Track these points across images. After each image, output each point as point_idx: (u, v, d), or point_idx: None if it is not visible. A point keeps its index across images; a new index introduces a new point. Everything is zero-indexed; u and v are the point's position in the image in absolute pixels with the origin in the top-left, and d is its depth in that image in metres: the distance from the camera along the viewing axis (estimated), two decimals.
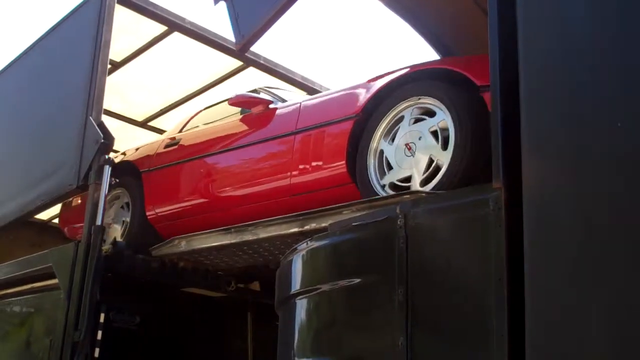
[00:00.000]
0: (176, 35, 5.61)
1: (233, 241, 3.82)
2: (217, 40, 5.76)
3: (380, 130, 3.39)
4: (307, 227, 3.36)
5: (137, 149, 5.28)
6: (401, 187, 3.17)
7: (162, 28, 5.55)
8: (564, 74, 1.85)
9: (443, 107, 3.14)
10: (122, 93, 6.38)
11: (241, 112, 4.47)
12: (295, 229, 3.44)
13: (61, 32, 5.53)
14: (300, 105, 3.99)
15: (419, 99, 3.28)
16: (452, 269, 2.18)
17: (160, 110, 6.82)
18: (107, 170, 4.36)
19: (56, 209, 6.07)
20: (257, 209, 3.92)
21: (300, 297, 2.80)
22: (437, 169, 3.08)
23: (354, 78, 3.73)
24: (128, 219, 4.87)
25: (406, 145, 3.24)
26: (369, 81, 3.61)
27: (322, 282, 2.70)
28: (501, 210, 1.98)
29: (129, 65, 6.03)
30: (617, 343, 1.60)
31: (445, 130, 3.13)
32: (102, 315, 4.13)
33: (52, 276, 4.49)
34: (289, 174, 3.76)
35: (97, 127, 4.47)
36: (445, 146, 3.09)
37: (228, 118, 4.62)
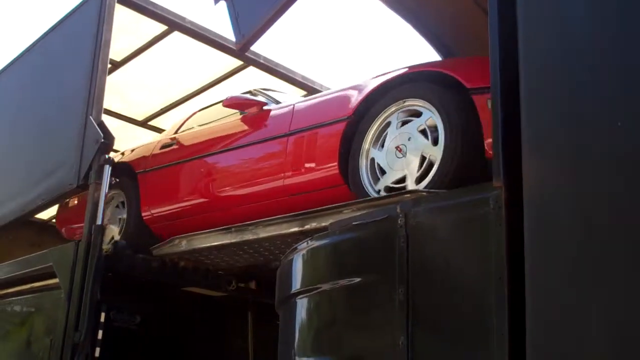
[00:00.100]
0: (176, 35, 5.61)
1: (233, 240, 3.82)
2: (217, 39, 5.76)
3: (372, 133, 3.41)
4: (307, 227, 3.36)
5: (132, 150, 5.30)
6: (396, 190, 3.19)
7: (162, 27, 5.55)
8: (564, 73, 1.86)
9: (430, 106, 3.19)
10: (122, 92, 6.38)
11: (236, 114, 4.48)
12: (296, 229, 3.44)
13: (61, 32, 5.53)
14: (293, 107, 4.03)
15: (404, 102, 3.32)
16: (452, 268, 2.19)
17: (161, 109, 6.83)
18: (107, 169, 4.37)
19: (56, 208, 6.07)
20: (251, 210, 3.95)
21: (301, 296, 2.81)
22: (430, 165, 3.12)
23: (355, 78, 3.74)
24: (124, 216, 4.89)
25: (396, 147, 3.28)
26: (362, 83, 3.64)
27: (323, 281, 2.70)
28: (501, 209, 1.98)
29: (129, 65, 6.04)
30: (617, 342, 1.60)
31: (433, 128, 3.17)
32: (103, 315, 4.13)
33: (53, 276, 4.49)
34: (282, 175, 3.79)
35: (97, 127, 4.47)
36: (435, 142, 3.13)
37: (223, 119, 4.64)
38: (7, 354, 4.94)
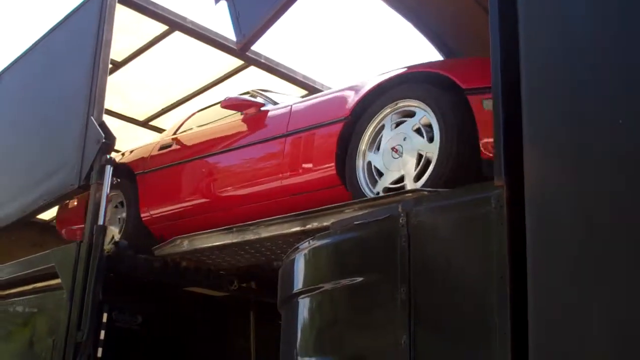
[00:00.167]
0: (177, 35, 5.62)
1: (235, 240, 3.83)
2: (218, 39, 5.76)
3: (368, 134, 3.43)
4: (309, 226, 3.37)
5: (131, 151, 5.31)
6: (395, 190, 3.19)
7: (163, 27, 5.55)
8: (566, 72, 1.85)
9: (424, 106, 3.21)
10: (123, 93, 6.38)
11: (234, 115, 4.49)
12: (297, 228, 3.45)
13: (62, 32, 5.53)
14: (291, 108, 4.05)
15: (397, 104, 3.34)
16: (454, 267, 2.19)
17: (162, 109, 6.83)
18: (109, 170, 4.37)
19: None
20: (251, 210, 3.97)
21: (303, 296, 2.81)
22: (427, 162, 3.13)
23: (356, 77, 3.76)
24: (124, 215, 4.89)
25: (392, 149, 3.30)
26: (358, 83, 3.66)
27: (325, 281, 2.70)
28: (503, 208, 1.98)
29: (130, 65, 6.04)
30: (618, 341, 1.60)
31: (427, 127, 3.19)
32: (105, 315, 4.13)
33: (55, 276, 4.49)
34: (280, 176, 3.80)
35: (98, 127, 4.47)
36: (431, 140, 3.15)
37: (221, 120, 4.66)
38: (10, 354, 4.95)
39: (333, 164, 3.53)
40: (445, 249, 2.25)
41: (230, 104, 4.39)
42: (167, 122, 6.73)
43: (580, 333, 1.67)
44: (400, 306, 2.25)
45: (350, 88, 3.68)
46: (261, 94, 4.60)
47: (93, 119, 4.53)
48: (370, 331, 2.44)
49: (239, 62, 6.17)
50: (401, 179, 3.23)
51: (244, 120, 4.35)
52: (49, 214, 6.79)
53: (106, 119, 4.75)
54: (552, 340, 1.72)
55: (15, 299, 5.13)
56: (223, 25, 7.77)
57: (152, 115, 6.93)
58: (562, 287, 1.72)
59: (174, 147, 4.82)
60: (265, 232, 3.65)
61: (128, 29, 5.43)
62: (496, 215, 2.01)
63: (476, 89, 3.02)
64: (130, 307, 4.46)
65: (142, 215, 4.71)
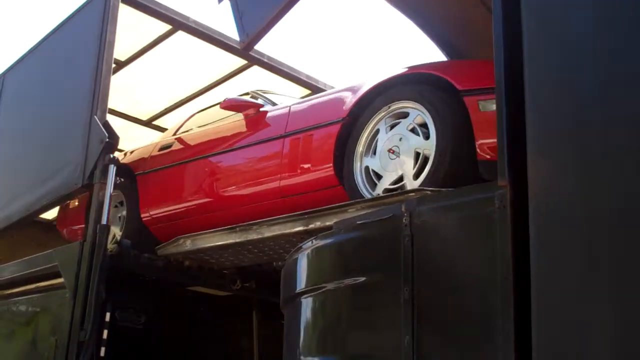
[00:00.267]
0: (180, 34, 5.62)
1: (238, 240, 3.83)
2: (221, 39, 5.77)
3: (365, 135, 3.45)
4: (311, 226, 3.37)
5: (132, 152, 5.33)
6: (394, 190, 3.20)
7: (167, 27, 5.56)
8: (569, 72, 1.85)
9: (419, 106, 3.22)
10: (126, 92, 6.39)
11: (234, 116, 4.50)
12: (300, 228, 3.45)
13: (65, 32, 5.54)
14: (289, 109, 4.07)
15: (389, 106, 3.37)
16: (457, 267, 2.18)
17: (165, 109, 6.84)
18: (112, 169, 4.38)
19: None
20: (251, 211, 3.98)
21: (306, 295, 2.81)
22: (425, 160, 3.15)
23: (355, 78, 3.77)
24: (124, 214, 4.90)
25: (389, 150, 3.31)
26: (357, 84, 3.68)
27: (328, 280, 2.70)
28: (507, 208, 1.98)
29: (133, 65, 6.05)
30: (623, 342, 1.60)
31: (422, 126, 3.21)
32: (108, 314, 4.14)
33: (58, 275, 4.50)
34: (278, 176, 3.81)
35: (101, 127, 4.48)
36: (427, 137, 3.17)
37: (220, 121, 4.67)
38: (13, 353, 4.96)
39: (331, 164, 3.56)
40: (449, 249, 2.25)
41: (229, 105, 4.41)
42: (171, 122, 6.74)
43: (585, 333, 1.66)
44: (403, 306, 2.24)
45: (348, 89, 3.71)
46: (261, 94, 4.62)
47: (96, 119, 4.54)
48: (373, 331, 2.43)
49: (242, 62, 6.17)
50: (400, 179, 3.24)
51: (243, 121, 4.37)
52: (53, 213, 6.80)
53: (109, 118, 4.75)
54: (556, 340, 1.71)
55: (19, 298, 5.15)
56: (226, 24, 7.78)
57: (155, 115, 6.94)
58: (567, 287, 1.72)
59: (174, 147, 4.83)
60: (268, 232, 3.66)
61: (131, 28, 5.44)
62: (499, 215, 2.00)
63: (472, 90, 3.04)
64: (134, 306, 4.47)
65: (142, 215, 4.72)
